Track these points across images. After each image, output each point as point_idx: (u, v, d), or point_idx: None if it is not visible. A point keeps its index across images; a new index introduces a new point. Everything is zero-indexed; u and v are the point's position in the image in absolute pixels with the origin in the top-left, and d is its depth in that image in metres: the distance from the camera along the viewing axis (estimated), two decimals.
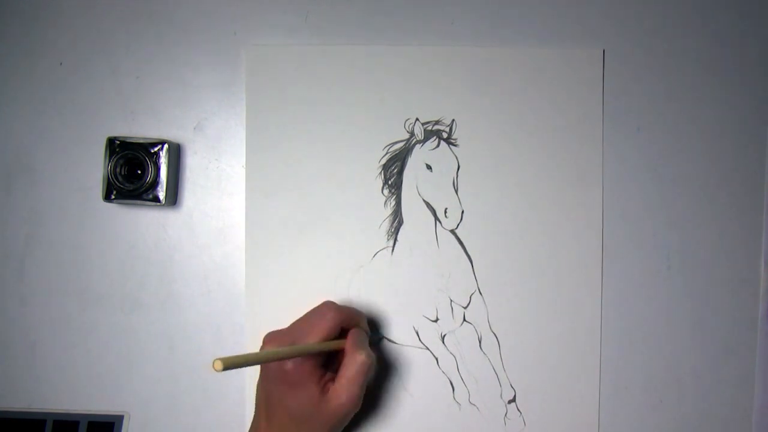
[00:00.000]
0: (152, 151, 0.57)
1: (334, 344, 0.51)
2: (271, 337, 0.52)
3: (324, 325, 0.51)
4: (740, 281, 0.59)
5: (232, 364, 0.43)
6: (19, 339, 0.60)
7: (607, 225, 0.59)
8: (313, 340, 0.50)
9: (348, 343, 0.52)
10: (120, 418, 0.59)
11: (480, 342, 0.59)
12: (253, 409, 0.53)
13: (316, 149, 0.59)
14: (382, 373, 0.59)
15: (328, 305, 0.52)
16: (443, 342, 0.59)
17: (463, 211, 0.59)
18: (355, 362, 0.51)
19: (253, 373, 0.59)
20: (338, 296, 0.59)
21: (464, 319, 0.59)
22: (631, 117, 0.59)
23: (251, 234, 0.59)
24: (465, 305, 0.59)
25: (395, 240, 0.59)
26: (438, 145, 0.59)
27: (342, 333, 0.53)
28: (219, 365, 0.42)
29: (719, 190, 0.59)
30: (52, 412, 0.59)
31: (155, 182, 0.57)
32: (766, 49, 0.59)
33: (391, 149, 0.59)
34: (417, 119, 0.59)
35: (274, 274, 0.59)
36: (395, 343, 0.59)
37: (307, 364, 0.50)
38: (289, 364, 0.49)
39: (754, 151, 0.59)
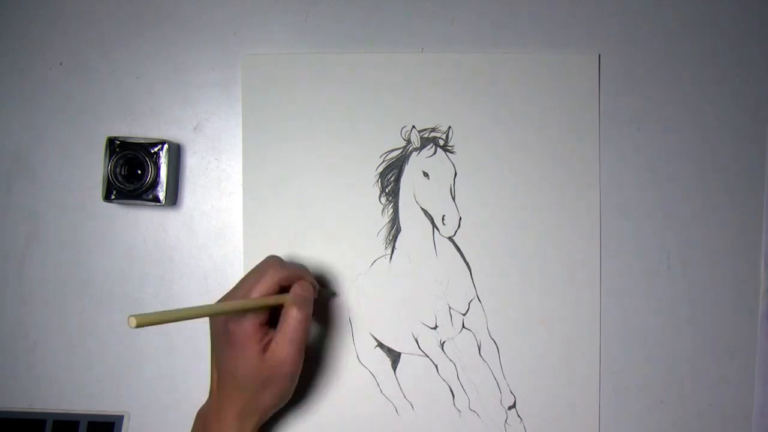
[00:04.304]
0: (152, 151, 0.57)
1: (270, 300, 0.50)
2: (221, 299, 0.51)
3: (263, 283, 0.50)
4: (740, 281, 0.59)
5: (147, 322, 0.41)
6: (19, 339, 0.60)
7: (606, 227, 0.59)
8: (254, 296, 0.49)
9: (288, 299, 0.51)
10: (120, 418, 0.59)
11: (479, 348, 0.59)
12: None
13: (313, 158, 0.59)
14: (380, 377, 0.59)
15: (270, 261, 0.52)
16: (442, 349, 0.59)
17: (460, 218, 0.59)
18: (290, 317, 0.50)
19: None
20: (336, 304, 0.59)
21: (463, 326, 0.59)
22: (629, 119, 0.59)
23: (248, 244, 0.59)
24: (464, 312, 0.59)
25: (393, 248, 0.59)
26: (435, 153, 0.59)
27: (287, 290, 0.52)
28: (133, 322, 0.40)
29: (719, 189, 0.59)
30: (52, 412, 0.59)
31: (155, 182, 0.57)
32: (765, 49, 0.59)
33: (387, 157, 0.59)
34: (413, 127, 0.59)
35: None
36: (394, 350, 0.59)
37: (248, 324, 0.49)
38: (230, 325, 0.49)
39: (754, 151, 0.59)
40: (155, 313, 0.42)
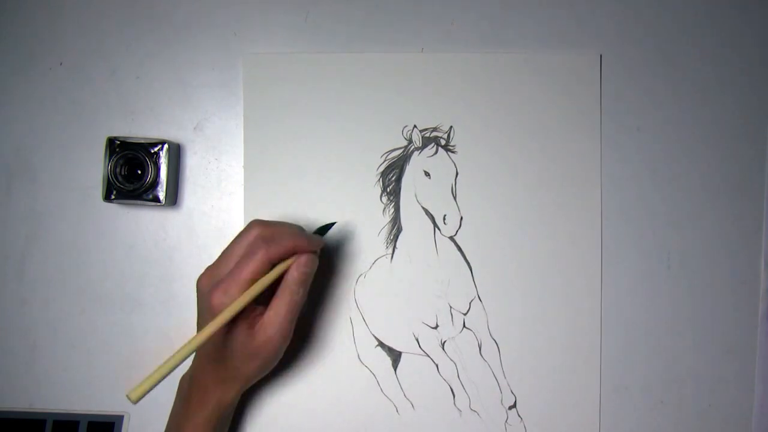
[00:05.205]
0: (152, 151, 0.57)
1: (258, 288, 0.48)
2: (205, 271, 0.50)
3: (252, 268, 0.48)
4: (740, 281, 0.59)
5: (144, 392, 0.41)
6: (19, 339, 0.60)
7: (606, 227, 0.59)
8: (241, 283, 0.47)
9: (287, 275, 0.49)
10: (120, 418, 0.59)
11: (480, 348, 0.59)
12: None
13: (314, 157, 0.59)
14: (381, 377, 0.59)
15: (255, 240, 0.49)
16: (443, 349, 0.59)
17: (461, 218, 0.59)
18: (285, 299, 0.49)
19: None
20: (337, 303, 0.59)
21: (464, 326, 0.59)
22: (630, 119, 0.59)
23: None
24: (465, 312, 0.59)
25: (394, 247, 0.59)
26: (436, 152, 0.59)
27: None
28: (134, 397, 0.40)
29: (719, 190, 0.59)
30: (52, 412, 0.59)
31: (155, 182, 0.57)
32: (765, 49, 0.59)
33: (389, 156, 0.59)
34: (415, 126, 0.59)
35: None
36: (395, 350, 0.59)
37: (233, 299, 0.47)
38: (214, 300, 0.47)
39: (754, 151, 0.59)
40: (145, 379, 0.42)
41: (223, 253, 0.51)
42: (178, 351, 0.45)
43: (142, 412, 0.59)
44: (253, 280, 0.48)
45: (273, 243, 0.49)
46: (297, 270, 0.50)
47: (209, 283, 0.49)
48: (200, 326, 0.50)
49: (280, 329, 0.49)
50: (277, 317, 0.49)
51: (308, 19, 0.60)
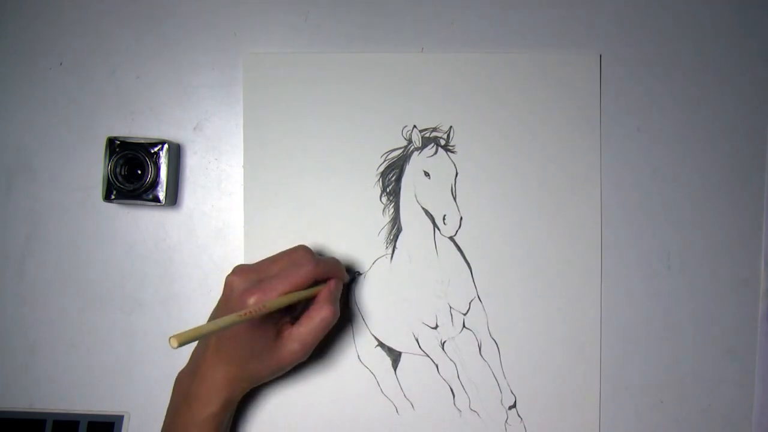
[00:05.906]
0: (152, 151, 0.57)
1: (303, 294, 0.50)
2: (239, 270, 0.51)
3: (296, 279, 0.49)
4: (740, 281, 0.59)
5: (187, 339, 0.41)
6: (19, 339, 0.60)
7: (606, 227, 0.59)
8: (282, 288, 0.49)
9: (321, 295, 0.52)
10: (120, 418, 0.59)
11: (480, 348, 0.59)
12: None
13: (315, 157, 0.59)
14: (381, 377, 0.59)
15: (305, 257, 0.51)
16: (443, 349, 0.59)
17: (461, 218, 0.59)
18: (320, 316, 0.51)
19: None
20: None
21: (464, 326, 0.59)
22: (630, 119, 0.59)
23: (249, 244, 0.59)
24: (464, 312, 0.59)
25: (394, 247, 0.59)
26: (436, 152, 0.59)
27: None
28: (175, 342, 0.40)
29: (719, 190, 0.59)
30: (52, 412, 0.59)
31: (155, 182, 0.57)
32: (765, 49, 0.59)
33: (388, 157, 0.59)
34: (414, 126, 0.59)
35: None
36: (395, 350, 0.59)
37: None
38: (252, 299, 0.48)
39: (754, 151, 0.59)
40: (194, 329, 0.42)
41: (267, 259, 0.52)
42: (226, 318, 0.45)
43: (142, 412, 0.59)
44: (290, 292, 0.49)
45: (318, 263, 0.51)
46: (328, 289, 0.52)
47: (243, 283, 0.50)
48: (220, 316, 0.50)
49: (304, 345, 0.51)
50: (307, 334, 0.51)
51: (308, 19, 0.60)
